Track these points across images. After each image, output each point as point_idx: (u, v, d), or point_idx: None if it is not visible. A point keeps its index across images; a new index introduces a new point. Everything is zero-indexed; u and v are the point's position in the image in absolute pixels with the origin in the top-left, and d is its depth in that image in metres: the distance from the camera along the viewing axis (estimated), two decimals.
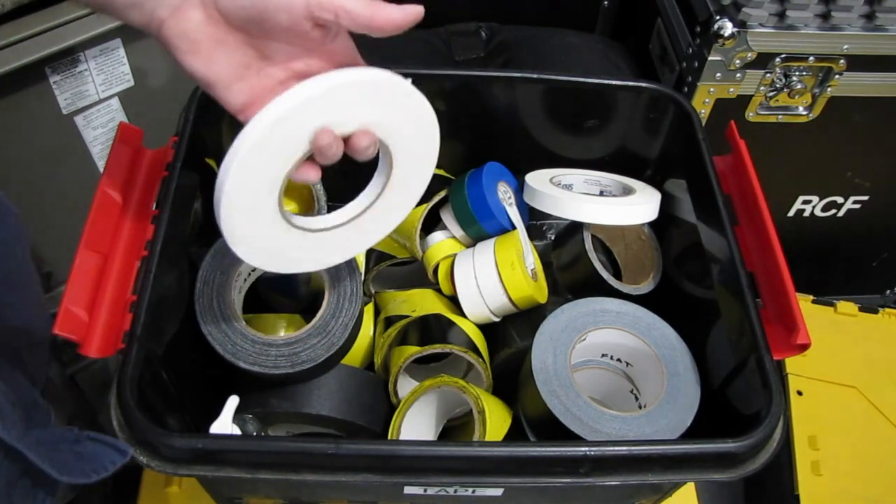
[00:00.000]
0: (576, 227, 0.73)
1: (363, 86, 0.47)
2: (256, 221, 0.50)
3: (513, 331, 0.72)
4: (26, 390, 0.65)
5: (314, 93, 0.45)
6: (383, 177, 0.54)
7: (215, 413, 0.57)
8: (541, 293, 0.71)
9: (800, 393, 0.95)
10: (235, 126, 0.47)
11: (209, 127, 0.66)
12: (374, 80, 0.47)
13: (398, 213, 0.58)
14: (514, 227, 0.72)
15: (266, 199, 0.49)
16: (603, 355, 0.68)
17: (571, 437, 0.57)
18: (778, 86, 0.91)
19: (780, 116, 0.95)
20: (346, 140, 0.48)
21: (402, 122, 0.50)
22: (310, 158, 0.48)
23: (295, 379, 0.61)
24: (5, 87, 0.82)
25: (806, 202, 1.08)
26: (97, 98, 0.92)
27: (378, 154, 0.51)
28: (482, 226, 0.72)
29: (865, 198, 1.07)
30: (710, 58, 0.87)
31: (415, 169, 0.55)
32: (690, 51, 0.91)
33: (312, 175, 0.50)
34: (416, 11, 0.44)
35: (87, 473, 0.52)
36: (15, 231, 0.64)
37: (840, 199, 1.08)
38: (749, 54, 0.87)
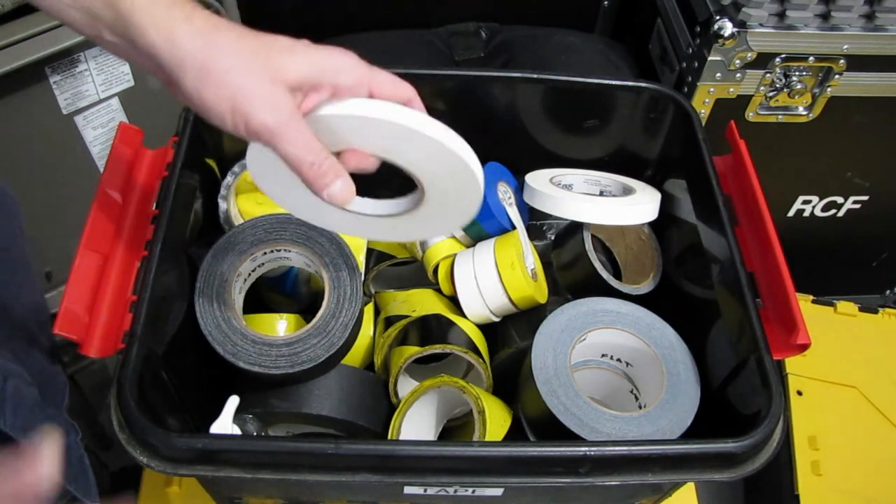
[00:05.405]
0: (576, 227, 0.73)
1: (417, 137, 0.43)
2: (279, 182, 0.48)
3: (513, 331, 0.71)
4: (43, 368, 0.66)
5: (359, 113, 0.42)
6: (409, 204, 0.50)
7: (215, 413, 0.57)
8: (541, 293, 0.71)
9: (800, 393, 0.95)
10: None
11: (209, 127, 0.65)
12: (433, 137, 0.43)
13: (413, 235, 0.56)
14: (514, 227, 0.72)
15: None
16: (603, 355, 0.68)
17: (571, 437, 0.57)
18: (778, 86, 0.91)
19: (780, 116, 0.95)
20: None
21: (443, 174, 0.46)
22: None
23: (295, 379, 0.61)
24: (5, 87, 0.82)
25: (806, 202, 1.08)
26: (97, 98, 0.92)
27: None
28: (482, 226, 0.72)
29: (865, 198, 1.07)
30: (710, 58, 0.87)
31: (445, 213, 0.50)
32: (690, 51, 0.91)
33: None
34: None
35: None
36: (17, 213, 0.66)
37: (840, 199, 1.08)
38: (749, 54, 0.87)
